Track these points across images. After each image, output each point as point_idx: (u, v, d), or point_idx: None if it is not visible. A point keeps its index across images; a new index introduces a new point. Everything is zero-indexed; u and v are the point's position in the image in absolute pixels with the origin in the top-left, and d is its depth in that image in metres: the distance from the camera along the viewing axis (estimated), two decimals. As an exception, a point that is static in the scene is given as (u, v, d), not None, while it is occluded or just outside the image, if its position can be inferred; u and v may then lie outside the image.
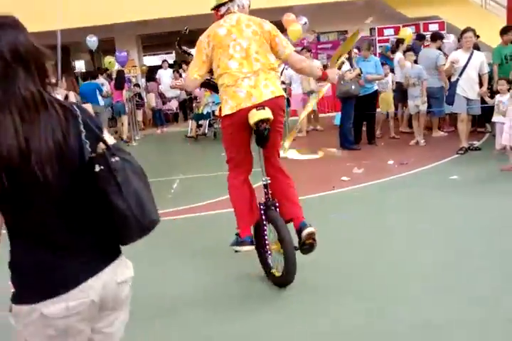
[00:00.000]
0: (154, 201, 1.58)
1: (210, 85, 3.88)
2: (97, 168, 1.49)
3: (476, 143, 8.07)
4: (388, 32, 13.99)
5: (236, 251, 3.64)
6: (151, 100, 12.98)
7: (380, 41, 13.68)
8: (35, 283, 1.52)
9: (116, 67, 12.79)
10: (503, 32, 7.88)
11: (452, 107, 7.68)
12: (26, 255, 1.52)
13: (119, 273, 1.63)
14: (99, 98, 12.57)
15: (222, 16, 3.61)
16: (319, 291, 3.51)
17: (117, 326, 1.70)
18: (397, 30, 13.93)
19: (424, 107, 8.28)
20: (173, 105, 13.77)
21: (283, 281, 3.57)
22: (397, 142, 8.93)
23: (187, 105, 14.05)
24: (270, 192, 3.63)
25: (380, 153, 8.26)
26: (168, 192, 6.66)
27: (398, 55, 9.36)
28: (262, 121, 3.34)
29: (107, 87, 13.13)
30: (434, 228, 4.55)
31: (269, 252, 3.63)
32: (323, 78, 3.89)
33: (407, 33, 10.90)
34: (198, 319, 3.29)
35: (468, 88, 7.38)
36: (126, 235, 1.57)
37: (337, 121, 8.44)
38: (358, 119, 8.58)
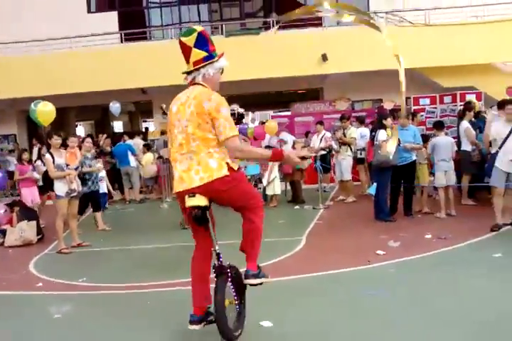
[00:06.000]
0: None
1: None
2: None
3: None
4: (424, 101, 13.95)
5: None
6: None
7: (415, 110, 13.62)
8: None
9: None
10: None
11: (490, 180, 7.37)
12: None
13: None
14: (131, 159, 12.68)
15: (190, 84, 3.65)
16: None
17: None
18: (433, 100, 13.92)
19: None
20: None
21: None
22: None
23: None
24: (221, 260, 3.62)
25: (416, 225, 7.88)
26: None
27: (465, 124, 9.04)
28: (194, 207, 3.41)
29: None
30: (480, 314, 4.14)
31: None
32: (273, 159, 3.66)
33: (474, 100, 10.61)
34: None
35: (507, 161, 7.06)
36: None
37: (371, 191, 8.14)
38: (394, 190, 8.32)
